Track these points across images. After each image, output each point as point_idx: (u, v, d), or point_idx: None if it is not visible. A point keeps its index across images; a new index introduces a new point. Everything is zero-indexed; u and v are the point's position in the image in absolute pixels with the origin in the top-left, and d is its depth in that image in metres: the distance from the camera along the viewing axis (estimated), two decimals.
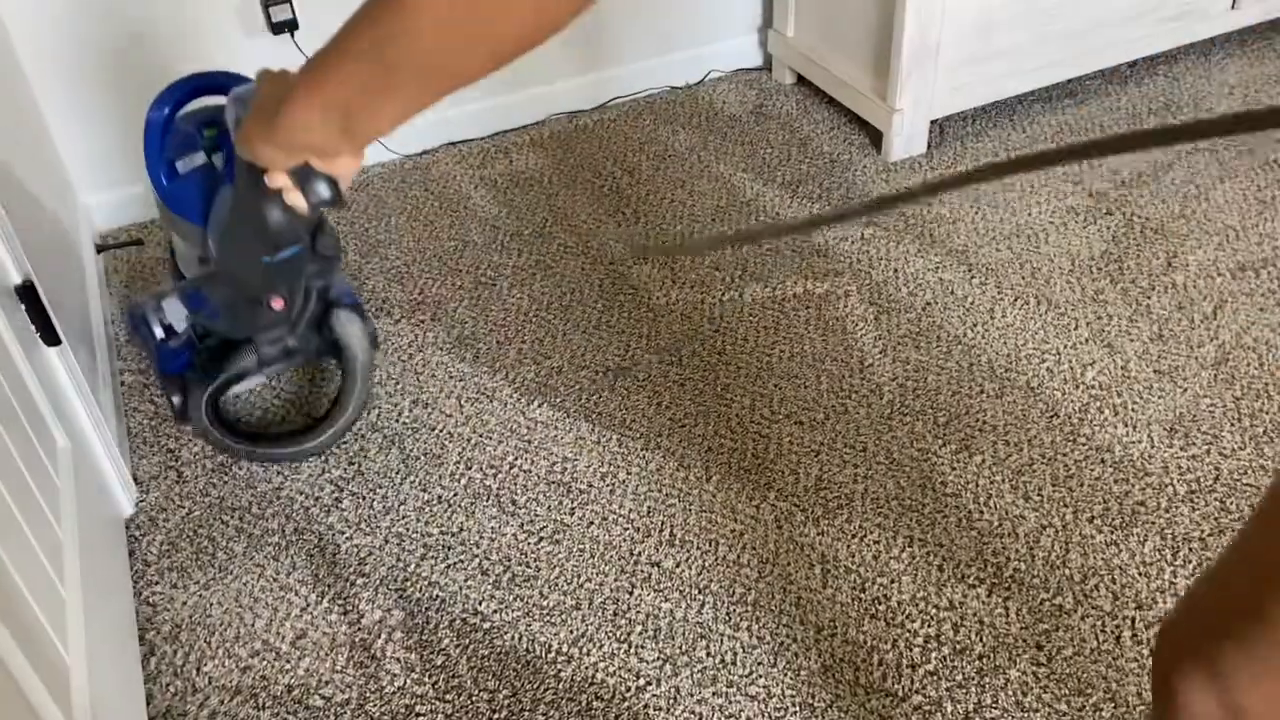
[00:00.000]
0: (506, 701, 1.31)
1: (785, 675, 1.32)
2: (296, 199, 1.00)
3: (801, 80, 2.54)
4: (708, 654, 1.35)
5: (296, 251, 1.37)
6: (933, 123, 2.28)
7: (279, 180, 0.98)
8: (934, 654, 1.33)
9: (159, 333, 1.57)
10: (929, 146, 2.29)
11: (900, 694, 1.29)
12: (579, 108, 2.50)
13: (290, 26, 2.10)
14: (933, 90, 2.17)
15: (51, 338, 1.39)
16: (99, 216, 2.18)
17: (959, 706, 1.28)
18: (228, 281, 1.47)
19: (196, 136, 1.49)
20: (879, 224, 2.07)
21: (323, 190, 0.99)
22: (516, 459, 1.63)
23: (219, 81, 1.50)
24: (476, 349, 1.84)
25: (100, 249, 2.10)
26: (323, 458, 1.64)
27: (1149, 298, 1.86)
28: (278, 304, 1.48)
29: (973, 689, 1.29)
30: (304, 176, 0.98)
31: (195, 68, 2.08)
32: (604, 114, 2.50)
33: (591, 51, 2.45)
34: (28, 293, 1.35)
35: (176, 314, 1.56)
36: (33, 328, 1.36)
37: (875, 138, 2.31)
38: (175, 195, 1.48)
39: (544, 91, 2.45)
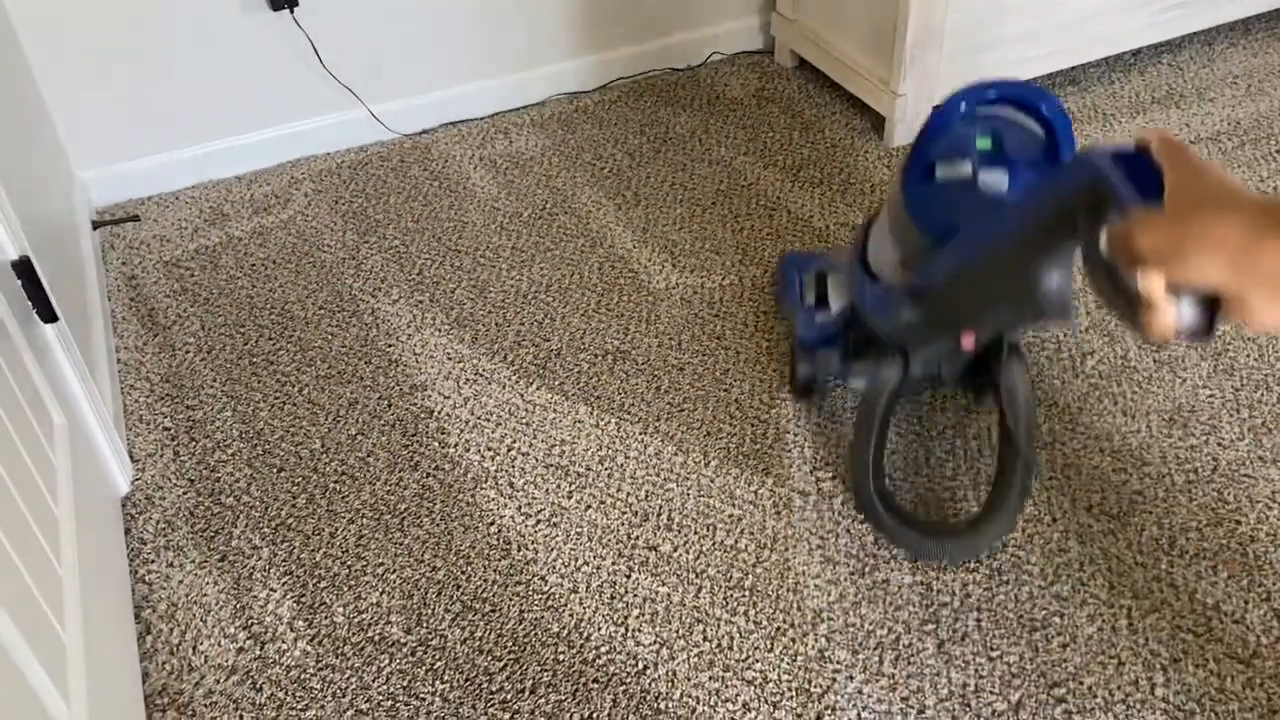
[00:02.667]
0: (505, 684, 1.31)
1: (782, 660, 1.32)
2: (1159, 316, 0.73)
3: (804, 64, 2.53)
4: (705, 638, 1.35)
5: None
6: (935, 108, 2.27)
7: (1153, 286, 0.72)
8: (930, 638, 1.33)
9: (809, 298, 1.59)
10: None
11: (899, 678, 1.30)
12: (580, 88, 2.49)
13: (290, 3, 2.08)
14: (936, 76, 2.16)
15: (48, 314, 1.38)
16: (96, 192, 2.17)
17: (955, 687, 1.28)
18: (929, 302, 1.30)
19: (970, 147, 1.29)
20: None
21: (1198, 325, 0.73)
22: (515, 441, 1.62)
23: (1026, 97, 1.31)
24: (475, 330, 1.83)
25: (97, 225, 2.08)
26: (321, 443, 1.64)
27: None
28: (968, 342, 1.32)
29: (971, 670, 1.30)
30: (1199, 303, 0.72)
31: (195, 44, 2.08)
32: (605, 95, 2.48)
33: (593, 32, 2.43)
34: (24, 268, 1.34)
35: (838, 292, 1.55)
36: (29, 304, 1.35)
37: (878, 122, 2.30)
38: (919, 198, 1.28)
39: (545, 72, 2.44)
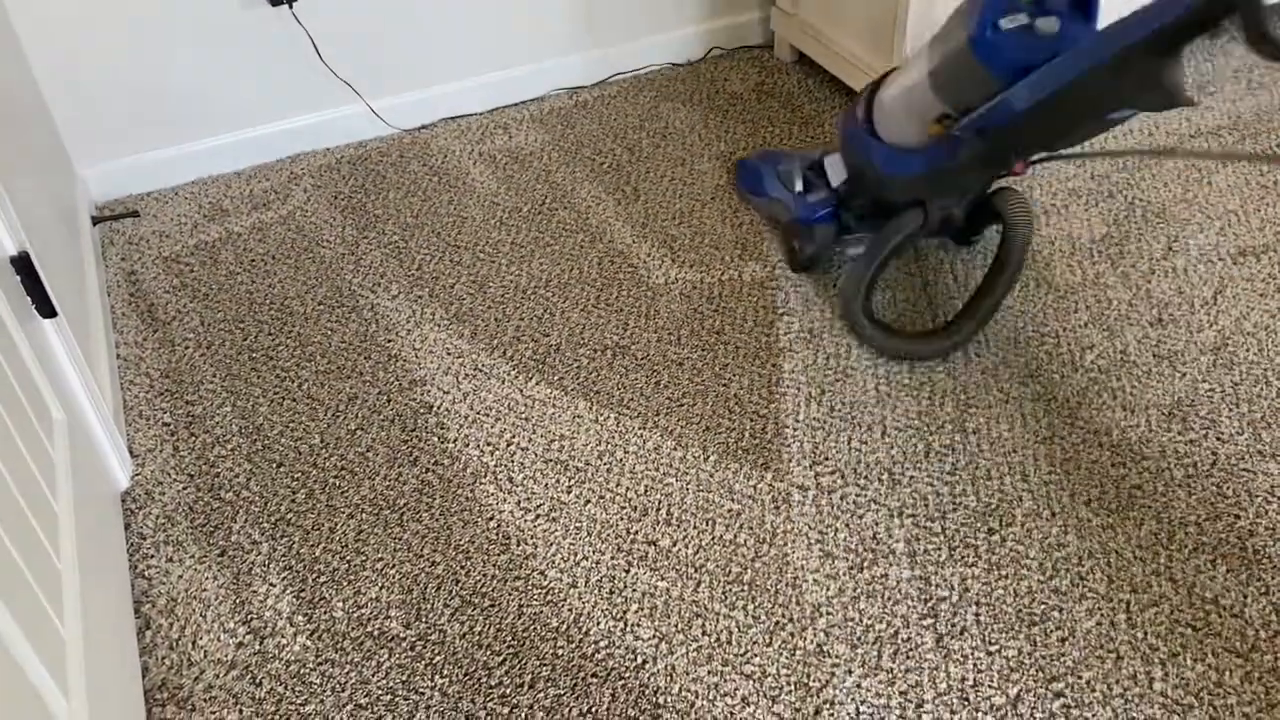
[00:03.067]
0: (504, 678, 1.31)
1: (781, 654, 1.32)
2: None
3: (803, 58, 2.53)
4: (704, 633, 1.35)
5: (1128, 114, 1.43)
6: None
7: None
8: (928, 633, 1.34)
9: (797, 185, 1.84)
10: None
11: (897, 672, 1.30)
12: (579, 83, 2.49)
13: None
14: None
15: (47, 309, 1.38)
16: (95, 188, 2.17)
17: (953, 681, 1.28)
18: (1004, 132, 1.48)
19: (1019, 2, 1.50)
20: None
21: None
22: (514, 436, 1.63)
23: None
24: (474, 326, 1.83)
25: (96, 220, 2.09)
26: (320, 438, 1.64)
27: (1149, 281, 1.86)
28: (1020, 167, 1.54)
29: (969, 665, 1.30)
30: None
31: (194, 40, 2.08)
32: (605, 90, 2.48)
33: (593, 27, 2.43)
34: (23, 264, 1.34)
35: (836, 170, 1.80)
36: (28, 299, 1.36)
37: None
38: (988, 47, 1.46)
39: (544, 67, 2.43)
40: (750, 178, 2.05)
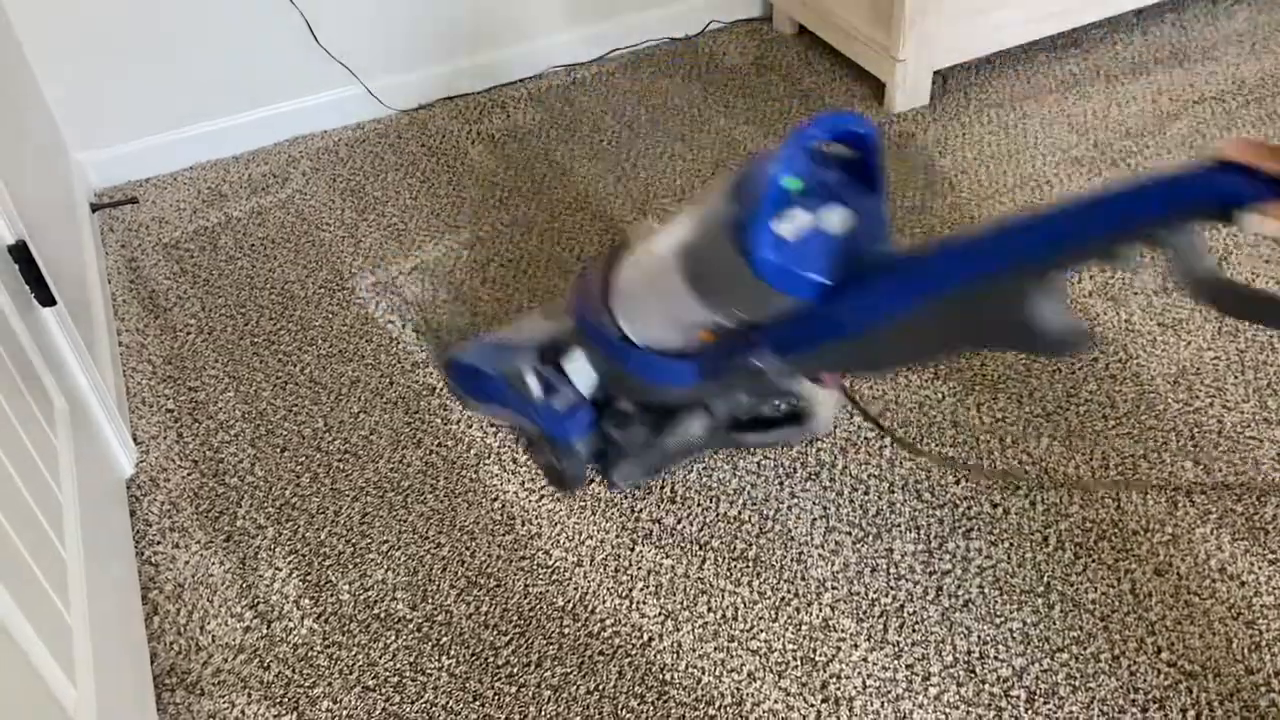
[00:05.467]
0: (511, 657, 1.32)
1: (786, 630, 1.32)
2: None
3: (803, 31, 2.50)
4: (709, 609, 1.35)
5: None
6: (936, 73, 2.25)
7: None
8: (933, 606, 1.34)
9: (534, 390, 1.40)
10: (932, 98, 2.25)
11: (903, 645, 1.30)
12: (577, 60, 2.47)
13: None
14: (936, 40, 2.14)
15: (46, 298, 1.38)
16: (94, 175, 2.16)
17: (959, 654, 1.28)
18: (818, 351, 1.21)
19: (786, 190, 1.15)
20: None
21: None
22: None
23: (831, 126, 1.18)
24: (475, 306, 1.83)
25: (95, 208, 2.08)
26: (324, 422, 1.64)
27: (1153, 250, 1.84)
28: (830, 380, 1.32)
29: (975, 637, 1.30)
30: None
31: (190, 24, 2.06)
32: (602, 67, 2.46)
33: (589, 3, 2.41)
34: (21, 253, 1.34)
35: (582, 374, 1.40)
36: (27, 288, 1.35)
37: (878, 89, 2.28)
38: (776, 267, 1.13)
39: (541, 44, 2.42)
40: (469, 381, 1.56)
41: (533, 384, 1.42)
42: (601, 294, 1.35)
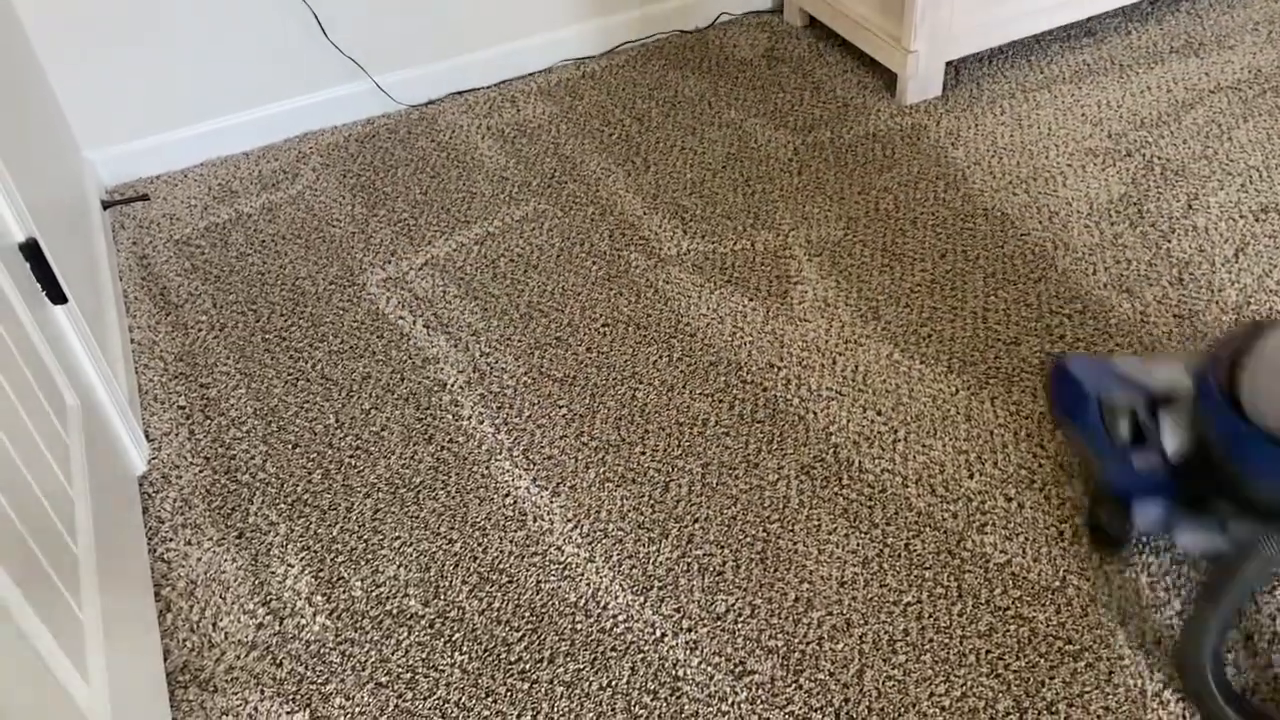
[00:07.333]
0: (523, 654, 1.31)
1: (804, 630, 1.32)
2: None
3: (814, 22, 2.49)
4: (726, 608, 1.35)
5: None
6: (948, 64, 2.23)
7: None
8: (954, 608, 1.33)
9: (1121, 434, 1.25)
10: (944, 89, 2.24)
11: (922, 646, 1.29)
12: (586, 54, 2.46)
13: None
14: (948, 31, 2.12)
15: (58, 296, 1.38)
16: (104, 172, 2.16)
17: (981, 652, 1.27)
18: None
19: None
20: (892, 172, 2.03)
21: None
22: (530, 413, 1.62)
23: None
24: (486, 302, 1.82)
25: (107, 205, 2.08)
26: (335, 418, 1.64)
27: (1169, 241, 1.83)
28: None
29: (993, 639, 1.29)
30: None
31: (200, 20, 2.06)
32: (612, 60, 2.45)
33: None
34: (32, 250, 1.34)
35: (1173, 433, 1.23)
36: (38, 286, 1.35)
37: (889, 80, 2.26)
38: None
39: (551, 38, 2.41)
40: (1065, 389, 1.38)
41: (1123, 425, 1.27)
42: (1229, 368, 1.14)
